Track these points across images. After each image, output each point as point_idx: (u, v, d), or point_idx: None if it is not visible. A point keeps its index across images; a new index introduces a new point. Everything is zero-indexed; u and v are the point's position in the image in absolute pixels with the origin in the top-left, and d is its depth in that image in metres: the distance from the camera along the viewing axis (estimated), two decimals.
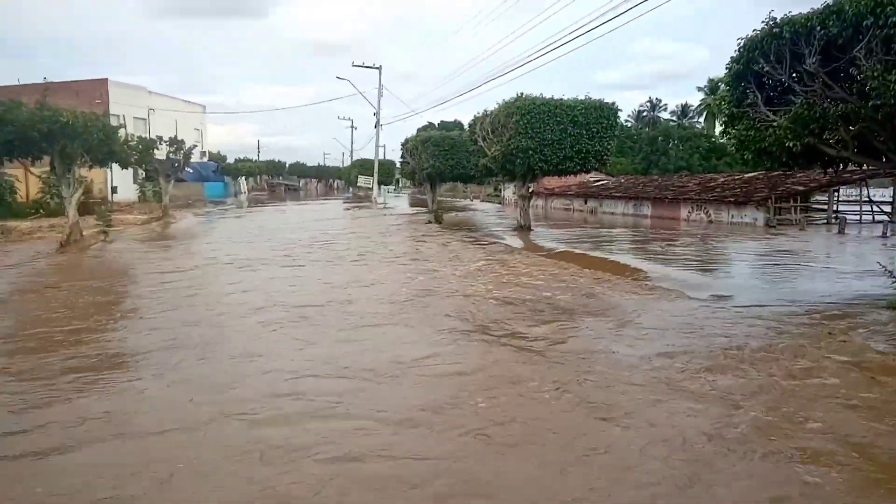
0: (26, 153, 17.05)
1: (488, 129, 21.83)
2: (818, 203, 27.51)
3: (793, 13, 9.24)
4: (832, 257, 15.86)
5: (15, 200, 27.94)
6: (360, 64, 47.42)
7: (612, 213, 33.76)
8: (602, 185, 38.98)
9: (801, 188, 25.07)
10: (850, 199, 27.58)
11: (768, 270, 13.11)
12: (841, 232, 20.27)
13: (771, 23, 9.41)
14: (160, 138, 30.97)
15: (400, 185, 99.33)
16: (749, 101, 10.05)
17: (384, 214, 34.80)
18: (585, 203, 37.72)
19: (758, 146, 9.98)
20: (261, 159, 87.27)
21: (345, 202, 55.74)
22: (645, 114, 73.08)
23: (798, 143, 9.16)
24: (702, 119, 73.07)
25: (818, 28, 8.61)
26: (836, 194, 25.80)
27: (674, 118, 71.49)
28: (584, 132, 19.96)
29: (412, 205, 51.07)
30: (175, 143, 30.62)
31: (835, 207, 26.09)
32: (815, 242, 18.75)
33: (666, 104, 72.20)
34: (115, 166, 29.85)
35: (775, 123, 9.40)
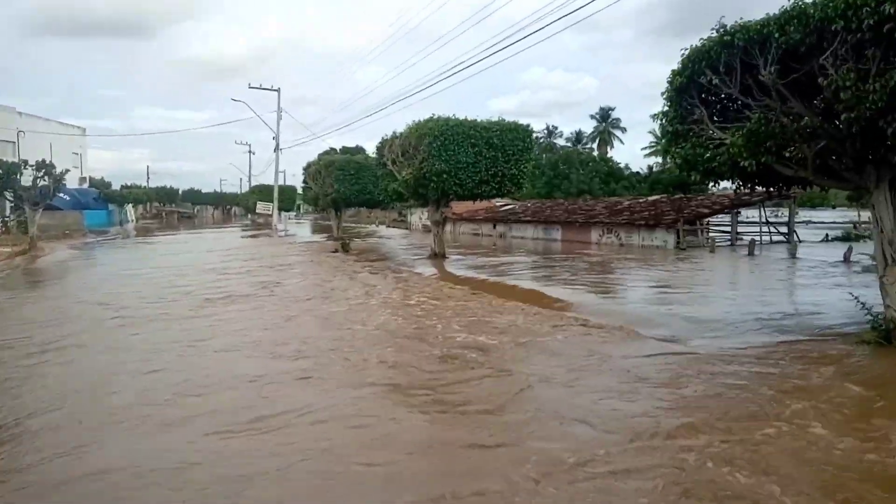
0: None
1: (398, 151, 20.41)
2: (721, 224, 28.07)
3: (744, 20, 8.48)
4: (768, 282, 15.47)
5: None
6: (258, 86, 45.11)
7: (522, 238, 33.16)
8: (509, 209, 38.52)
9: (706, 210, 25.38)
10: (749, 220, 28.33)
11: (712, 298, 12.36)
12: (751, 254, 20.35)
13: (721, 30, 8.58)
14: (25, 162, 27.32)
15: (301, 210, 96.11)
16: (695, 117, 9.20)
17: (286, 243, 32.47)
18: (494, 228, 37.04)
19: (706, 166, 9.11)
20: (151, 185, 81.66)
21: (243, 230, 52.42)
22: (542, 140, 74.69)
23: (753, 163, 8.32)
24: (594, 145, 75.96)
25: (776, 35, 7.82)
26: (737, 216, 26.33)
27: (569, 144, 73.52)
28: (500, 155, 18.97)
29: (315, 231, 48.68)
30: (43, 166, 27.01)
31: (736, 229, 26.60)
32: (735, 265, 18.57)
33: (561, 131, 74.23)
34: None
35: (728, 141, 8.54)
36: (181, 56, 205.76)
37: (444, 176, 18.38)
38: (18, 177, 26.85)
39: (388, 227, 56.81)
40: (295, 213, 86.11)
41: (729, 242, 25.08)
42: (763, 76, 8.06)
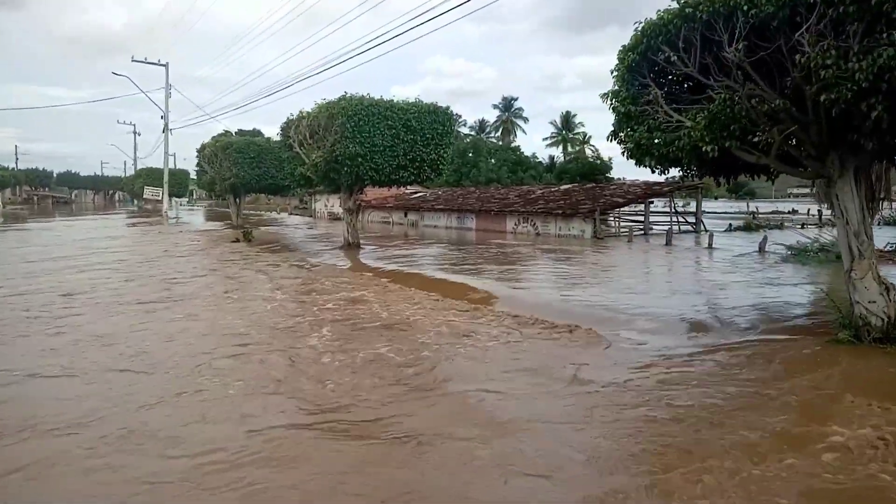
0: None
1: (306, 132, 18.80)
2: (633, 214, 28.34)
3: None
4: (703, 269, 15.22)
5: None
6: (143, 60, 41.30)
7: (435, 227, 32.21)
8: (420, 197, 37.49)
9: (620, 200, 25.42)
10: (656, 210, 28.80)
11: (653, 291, 11.81)
12: (668, 243, 20.40)
13: (682, 2, 7.83)
14: None
15: (195, 196, 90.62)
16: (649, 97, 8.44)
17: (179, 231, 29.74)
18: (405, 216, 35.88)
19: (660, 151, 8.39)
20: (20, 168, 73.97)
21: (129, 217, 48.21)
22: None
23: (716, 148, 7.66)
24: (498, 134, 76.47)
25: (744, 7, 7.14)
26: (649, 206, 26.60)
27: (472, 133, 73.54)
28: (419, 138, 17.81)
29: (210, 219, 45.46)
30: None
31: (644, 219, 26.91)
32: (659, 255, 18.41)
33: (465, 119, 73.98)
34: None
35: (688, 125, 7.84)
36: (55, 30, 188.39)
37: (359, 159, 17.00)
38: None
39: (291, 214, 54.25)
40: (187, 200, 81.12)
41: (642, 232, 25.25)
42: (728, 53, 7.37)
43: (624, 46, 8.77)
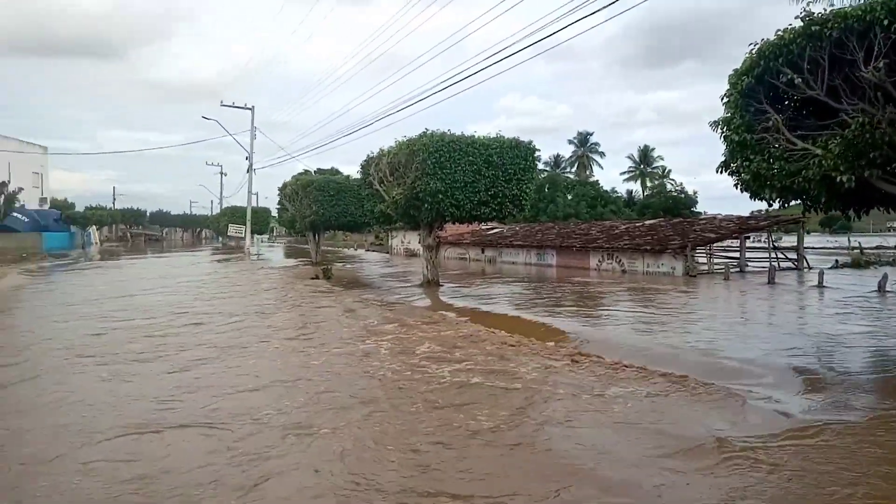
0: None
1: (386, 170, 18.72)
2: (728, 249, 26.77)
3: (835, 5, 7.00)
4: (818, 312, 13.78)
5: None
6: (231, 104, 43.12)
7: (514, 263, 31.55)
8: (497, 233, 37.00)
9: (712, 235, 24.02)
10: (752, 246, 27.08)
11: (766, 332, 10.74)
12: (771, 282, 18.92)
13: (808, 19, 7.07)
14: None
15: (274, 233, 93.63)
16: (768, 124, 7.64)
17: (260, 268, 30.34)
18: (482, 252, 35.40)
19: (783, 182, 7.53)
20: (118, 207, 78.63)
21: (213, 253, 50.04)
22: None
23: (852, 178, 6.77)
24: (573, 170, 75.19)
25: (884, 21, 6.33)
26: (745, 241, 25.02)
27: (548, 168, 72.63)
28: (501, 174, 17.36)
29: (289, 255, 46.52)
30: None
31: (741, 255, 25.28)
32: (764, 295, 17.03)
33: (540, 155, 73.06)
34: None
35: (818, 153, 6.98)
36: (150, 78, 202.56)
37: (440, 196, 16.69)
38: None
39: (367, 250, 54.89)
40: (267, 237, 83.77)
41: (737, 269, 23.68)
42: (865, 73, 6.54)
43: (736, 70, 8.03)
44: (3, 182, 24.89)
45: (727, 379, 7.36)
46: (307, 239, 39.77)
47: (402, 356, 8.89)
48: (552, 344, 9.69)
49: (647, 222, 29.93)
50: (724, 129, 8.18)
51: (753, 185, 7.94)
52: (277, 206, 37.58)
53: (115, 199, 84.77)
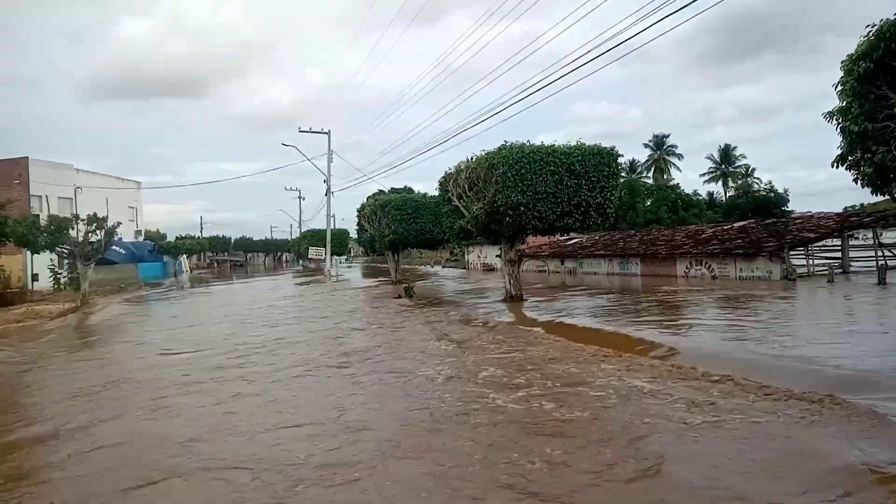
0: None
1: (465, 185, 18.58)
2: (827, 249, 25.08)
3: None
4: None
5: None
6: (308, 129, 44.46)
7: (595, 273, 30.74)
8: (576, 243, 36.20)
9: (811, 235, 22.54)
10: (857, 244, 25.28)
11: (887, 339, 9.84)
12: (882, 283, 17.50)
13: None
14: (76, 216, 26.64)
15: (352, 254, 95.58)
16: (894, 111, 6.97)
17: (342, 289, 30.84)
18: (562, 264, 34.72)
19: None
20: (204, 236, 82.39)
21: (295, 276, 51.46)
22: None
23: None
24: (650, 174, 72.87)
25: None
26: (849, 240, 23.37)
27: (624, 174, 70.72)
28: (584, 182, 16.88)
29: (368, 275, 47.16)
30: (94, 220, 26.28)
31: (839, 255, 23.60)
32: (875, 295, 15.75)
33: (623, 161, 71.28)
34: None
35: None
36: (230, 112, 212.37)
37: (521, 208, 16.39)
38: (71, 232, 26.20)
39: (444, 267, 55.08)
40: (346, 258, 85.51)
41: (840, 270, 22.12)
42: None
43: (850, 56, 7.39)
44: (104, 217, 26.35)
45: (851, 392, 6.67)
46: (385, 258, 40.26)
47: (497, 373, 8.63)
48: (652, 358, 9.18)
49: (737, 224, 28.49)
50: (841, 120, 7.53)
51: (877, 179, 7.26)
52: (357, 228, 38.20)
53: (202, 227, 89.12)
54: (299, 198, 77.87)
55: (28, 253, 29.47)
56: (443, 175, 20.47)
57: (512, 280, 19.01)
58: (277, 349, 12.20)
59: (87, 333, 18.01)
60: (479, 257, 45.93)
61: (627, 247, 30.00)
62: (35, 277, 37.23)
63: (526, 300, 18.73)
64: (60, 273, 30.89)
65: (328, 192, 45.59)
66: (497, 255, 43.44)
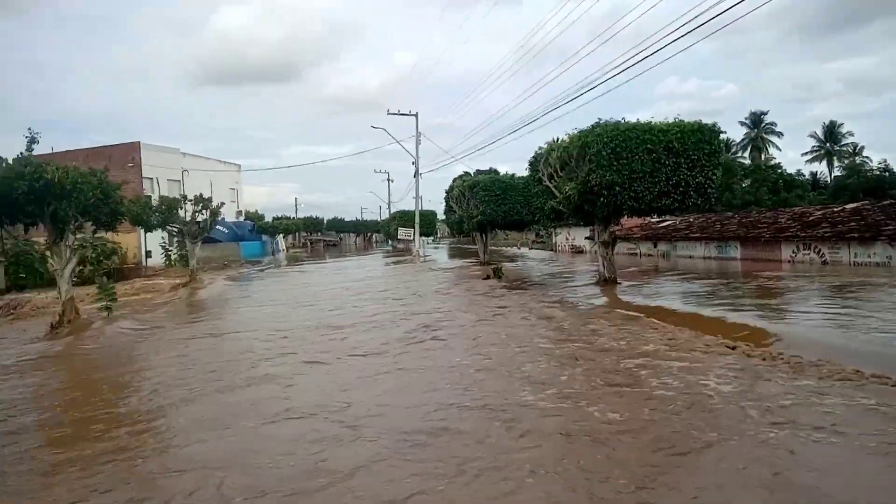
0: (11, 219, 14.04)
1: (556, 165, 18.24)
2: None
3: None
4: None
5: (47, 270, 25.60)
6: (396, 112, 45.02)
7: (691, 257, 29.57)
8: (669, 225, 34.89)
9: None
10: None
11: None
12: None
13: None
14: (184, 197, 28.28)
15: (438, 235, 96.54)
16: None
17: (431, 269, 31.25)
18: (655, 247, 33.62)
19: None
20: (299, 216, 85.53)
21: (385, 256, 52.64)
22: None
23: None
24: (746, 153, 68.78)
25: None
26: None
27: None
28: (683, 161, 16.17)
29: (455, 256, 47.51)
30: (200, 201, 27.82)
31: None
32: None
33: (726, 138, 67.62)
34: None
35: None
36: (322, 95, 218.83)
37: (617, 188, 15.93)
38: (180, 212, 27.85)
39: (531, 248, 54.66)
40: (433, 238, 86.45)
41: None
42: None
43: None
44: (209, 198, 27.83)
45: None
46: (473, 239, 40.38)
47: (603, 359, 8.48)
48: (764, 349, 8.73)
49: (849, 206, 26.52)
50: None
51: None
52: (444, 209, 38.49)
53: (297, 208, 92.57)
54: (388, 180, 79.32)
55: (142, 231, 31.61)
56: (533, 155, 20.22)
57: (605, 262, 18.59)
58: (385, 323, 12.54)
59: (197, 307, 19.17)
60: (567, 239, 45.24)
61: (725, 229, 28.63)
62: (149, 254, 40.00)
63: (620, 283, 18.30)
64: (171, 250, 32.97)
65: (416, 174, 46.16)
66: (586, 237, 42.70)
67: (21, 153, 13.61)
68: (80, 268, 25.75)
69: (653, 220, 35.20)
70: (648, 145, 15.93)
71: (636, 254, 35.11)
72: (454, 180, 36.04)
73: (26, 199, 13.15)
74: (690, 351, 8.59)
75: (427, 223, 56.77)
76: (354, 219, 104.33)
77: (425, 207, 68.52)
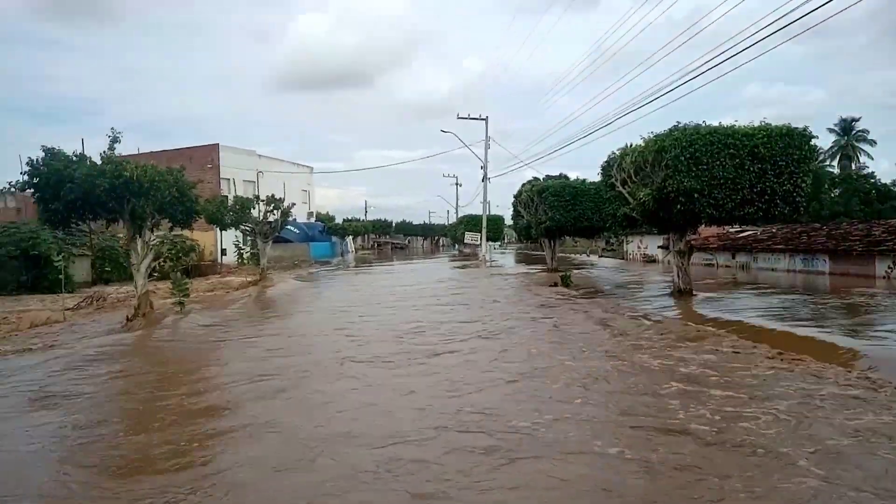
0: (93, 214, 14.62)
1: (630, 170, 17.53)
2: None
3: None
4: None
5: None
6: (466, 116, 44.92)
7: (773, 270, 27.94)
8: (749, 236, 33.16)
9: None
10: None
11: None
12: None
13: None
14: (257, 197, 28.99)
15: (505, 240, 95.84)
16: None
17: (498, 275, 30.85)
18: (733, 258, 32.01)
19: None
20: (368, 219, 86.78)
21: (451, 260, 52.56)
22: None
23: None
24: (835, 162, 64.66)
25: None
26: None
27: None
28: (769, 167, 15.17)
29: (521, 262, 46.82)
30: (272, 201, 28.45)
31: None
32: None
33: (817, 144, 63.75)
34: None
35: None
36: (394, 100, 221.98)
37: (695, 195, 15.11)
38: (253, 211, 28.56)
39: (600, 256, 53.35)
40: (499, 244, 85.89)
41: None
42: None
43: None
44: (281, 199, 28.44)
45: None
46: (540, 245, 39.67)
47: (682, 379, 7.91)
48: (862, 375, 7.92)
49: None
50: None
51: None
52: (512, 214, 37.97)
53: (366, 211, 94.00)
54: (456, 184, 79.42)
55: (217, 230, 32.66)
56: (605, 160, 19.53)
57: (681, 273, 17.73)
58: (461, 327, 12.30)
59: (267, 305, 19.49)
60: (638, 247, 43.84)
61: (813, 241, 26.88)
62: (224, 252, 41.39)
63: (696, 295, 17.39)
64: (244, 249, 33.91)
65: (485, 178, 45.88)
66: (659, 246, 41.19)
67: (103, 152, 14.18)
68: (160, 263, 26.87)
69: (731, 229, 33.54)
70: (731, 150, 15.04)
71: (713, 265, 33.55)
72: (523, 185, 35.46)
73: (107, 196, 13.65)
74: (813, 379, 7.79)
75: (494, 228, 56.32)
76: (422, 222, 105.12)
77: (492, 212, 68.19)
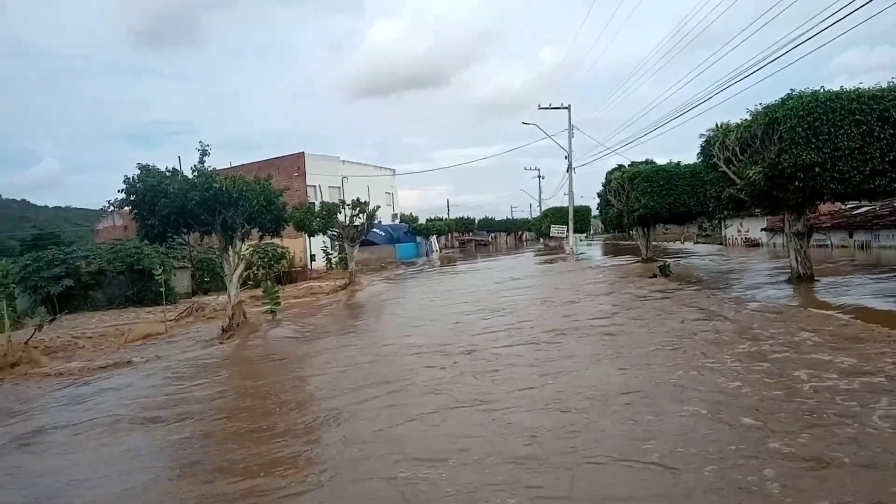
0: (187, 227, 14.83)
1: (735, 147, 16.06)
2: None
3: None
4: None
5: None
6: (548, 105, 43.61)
7: None
8: (867, 211, 30.23)
9: None
10: None
11: None
12: None
13: None
14: (342, 202, 29.13)
15: (592, 231, 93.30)
16: None
17: (589, 268, 29.59)
18: (850, 237, 29.29)
19: None
20: (451, 217, 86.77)
21: (537, 254, 51.37)
22: None
23: None
24: None
25: None
26: None
27: None
28: None
29: (611, 253, 44.97)
30: (358, 205, 28.51)
31: None
32: None
33: None
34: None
35: None
36: (470, 98, 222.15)
37: (816, 169, 13.54)
38: (339, 216, 28.74)
39: (696, 243, 50.65)
40: (586, 235, 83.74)
41: None
42: None
43: None
44: (366, 202, 28.44)
45: None
46: (629, 235, 37.90)
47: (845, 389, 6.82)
48: None
49: None
50: None
51: None
52: (599, 203, 36.46)
53: (448, 209, 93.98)
54: (539, 177, 77.99)
55: (306, 236, 33.23)
56: (705, 138, 18.04)
57: (799, 257, 16.15)
58: (568, 331, 11.56)
59: (357, 308, 19.34)
60: (739, 231, 41.18)
61: None
62: (313, 258, 42.23)
63: (818, 280, 15.75)
64: (332, 254, 34.32)
65: (569, 168, 44.44)
66: (763, 229, 38.46)
67: (194, 165, 14.32)
68: (253, 272, 27.51)
69: (845, 206, 30.71)
70: (857, 116, 13.34)
71: (826, 245, 30.89)
72: (611, 172, 33.87)
73: (200, 208, 13.78)
74: None
75: (581, 219, 54.57)
76: (505, 218, 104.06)
77: (577, 203, 66.40)
